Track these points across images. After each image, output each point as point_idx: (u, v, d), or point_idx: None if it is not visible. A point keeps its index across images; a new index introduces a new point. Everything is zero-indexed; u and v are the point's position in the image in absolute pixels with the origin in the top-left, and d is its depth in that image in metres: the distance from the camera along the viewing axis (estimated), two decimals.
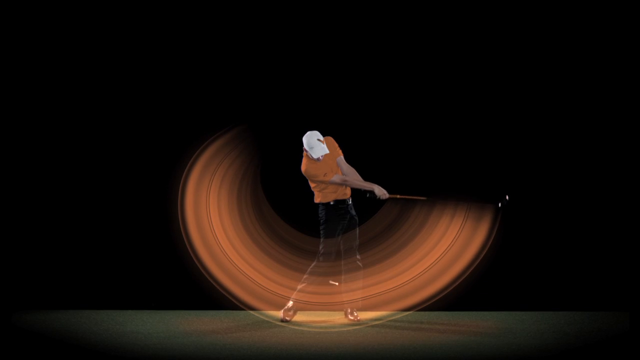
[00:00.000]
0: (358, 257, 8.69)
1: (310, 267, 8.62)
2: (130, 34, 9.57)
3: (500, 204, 8.54)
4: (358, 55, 9.54)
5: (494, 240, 8.81)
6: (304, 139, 8.56)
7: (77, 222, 9.66)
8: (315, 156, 8.50)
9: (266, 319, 8.79)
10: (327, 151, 8.52)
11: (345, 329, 8.31)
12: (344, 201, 8.67)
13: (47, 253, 9.65)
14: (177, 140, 9.60)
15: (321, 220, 8.66)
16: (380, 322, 8.63)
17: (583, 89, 9.40)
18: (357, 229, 8.76)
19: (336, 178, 8.54)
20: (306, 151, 8.58)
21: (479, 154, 9.33)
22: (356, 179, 8.63)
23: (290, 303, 8.64)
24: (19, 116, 9.57)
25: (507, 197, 8.51)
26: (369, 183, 8.57)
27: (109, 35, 9.56)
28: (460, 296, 8.97)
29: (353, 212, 8.73)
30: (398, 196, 8.59)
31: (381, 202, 8.68)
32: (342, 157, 8.72)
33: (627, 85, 9.28)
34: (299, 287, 8.60)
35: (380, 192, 8.54)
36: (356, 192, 8.74)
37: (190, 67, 9.61)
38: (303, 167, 8.62)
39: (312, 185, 8.68)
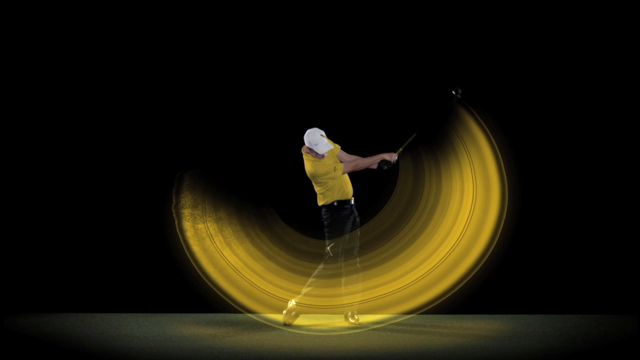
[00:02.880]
0: (357, 259, 8.62)
1: (317, 270, 8.56)
2: (129, 40, 9.63)
3: (454, 92, 8.56)
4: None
5: (498, 242, 8.80)
6: (306, 137, 8.52)
7: (71, 224, 9.63)
8: (321, 152, 8.47)
9: (265, 322, 8.73)
10: (332, 146, 8.53)
11: (346, 333, 8.26)
12: (347, 201, 8.59)
13: (41, 255, 9.62)
14: (173, 140, 9.61)
15: (326, 223, 8.60)
16: (382, 325, 8.58)
17: (585, 98, 9.41)
18: (359, 230, 8.70)
19: (347, 167, 8.56)
20: (309, 151, 8.53)
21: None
22: (363, 159, 8.62)
23: (292, 303, 8.56)
24: (18, 121, 9.59)
25: (458, 89, 8.56)
26: (375, 156, 8.58)
27: (108, 48, 9.64)
28: (463, 299, 8.94)
29: (356, 212, 8.67)
30: (401, 149, 8.63)
31: (397, 167, 8.69)
32: (340, 149, 8.69)
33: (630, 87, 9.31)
34: (306, 290, 8.53)
35: (390, 157, 8.58)
36: (358, 193, 8.69)
37: (183, 69, 9.63)
38: (309, 169, 8.56)
39: (317, 187, 8.60)
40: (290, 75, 9.56)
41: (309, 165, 8.57)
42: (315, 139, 8.46)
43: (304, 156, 8.62)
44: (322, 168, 8.49)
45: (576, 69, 9.39)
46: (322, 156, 8.49)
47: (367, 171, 8.78)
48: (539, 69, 9.43)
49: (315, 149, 8.47)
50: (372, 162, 8.57)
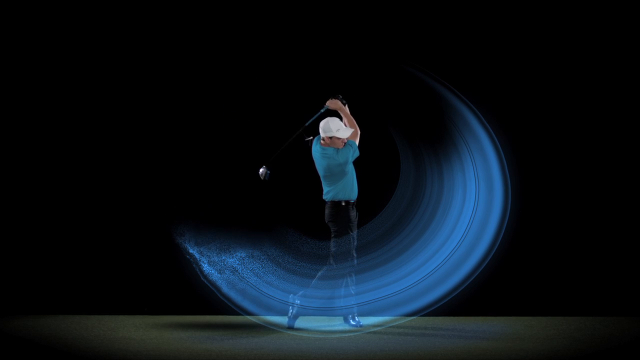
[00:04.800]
0: (355, 261, 8.57)
1: (322, 270, 8.52)
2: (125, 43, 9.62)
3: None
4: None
5: (501, 243, 8.79)
6: (326, 126, 8.48)
7: (68, 225, 9.59)
8: (344, 136, 8.50)
9: (264, 324, 8.67)
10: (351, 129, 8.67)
11: (346, 335, 8.21)
12: (354, 202, 8.58)
13: (37, 257, 9.57)
14: (170, 140, 9.60)
15: (332, 224, 8.54)
16: (383, 327, 8.53)
17: (588, 98, 9.38)
18: (357, 232, 8.65)
19: (356, 134, 8.65)
20: (329, 142, 8.49)
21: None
22: (347, 120, 8.70)
23: (295, 304, 8.50)
24: (20, 124, 9.61)
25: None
26: (346, 115, 8.68)
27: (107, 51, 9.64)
28: (466, 301, 8.89)
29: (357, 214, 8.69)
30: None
31: (398, 166, 8.89)
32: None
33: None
34: (309, 291, 8.48)
35: (332, 101, 8.68)
36: (359, 192, 8.66)
37: (185, 70, 9.64)
38: (331, 163, 8.50)
39: (328, 185, 8.56)
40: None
41: (329, 160, 8.49)
42: (336, 124, 8.48)
43: (320, 153, 8.54)
44: (342, 156, 8.48)
45: (578, 68, 9.37)
46: (343, 141, 8.49)
47: (368, 172, 8.79)
48: (541, 68, 9.41)
49: (338, 134, 8.47)
50: (346, 113, 8.64)
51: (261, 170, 8.56)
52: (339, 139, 8.51)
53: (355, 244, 8.55)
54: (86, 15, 9.53)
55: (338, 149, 8.51)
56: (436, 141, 9.07)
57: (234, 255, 8.93)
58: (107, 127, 9.59)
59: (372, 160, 9.03)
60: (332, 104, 8.64)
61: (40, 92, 9.57)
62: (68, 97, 9.57)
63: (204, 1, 9.57)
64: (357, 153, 8.56)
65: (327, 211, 8.57)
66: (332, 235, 8.55)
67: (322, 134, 8.54)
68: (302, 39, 9.49)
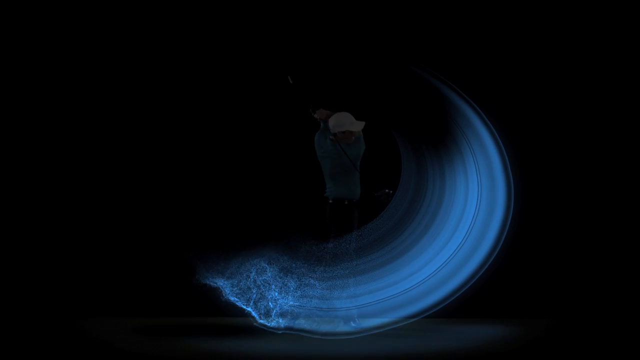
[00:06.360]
0: (355, 263, 8.55)
1: (321, 270, 8.47)
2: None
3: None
4: None
5: (504, 245, 8.69)
6: (337, 121, 8.41)
7: (66, 227, 9.57)
8: (358, 129, 8.47)
9: (263, 326, 8.55)
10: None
11: (346, 337, 8.18)
12: (356, 200, 8.57)
13: (34, 258, 9.54)
14: (170, 138, 9.60)
15: (333, 220, 8.50)
16: (384, 329, 8.46)
17: (591, 97, 9.39)
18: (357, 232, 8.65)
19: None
20: (342, 138, 8.42)
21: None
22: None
23: (294, 308, 8.47)
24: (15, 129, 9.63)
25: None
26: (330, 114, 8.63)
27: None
28: (468, 303, 8.76)
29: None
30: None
31: (399, 165, 8.85)
32: None
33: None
34: (307, 291, 8.44)
35: (319, 113, 8.64)
36: (362, 193, 8.70)
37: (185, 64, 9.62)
38: (356, 153, 8.48)
39: (335, 182, 8.52)
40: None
41: (340, 157, 8.43)
42: (348, 118, 8.41)
43: (329, 150, 8.50)
44: (355, 151, 8.47)
45: (581, 67, 9.36)
46: (354, 135, 8.46)
47: (369, 172, 8.71)
48: (544, 67, 9.40)
49: (351, 128, 8.41)
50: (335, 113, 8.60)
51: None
52: (351, 133, 8.46)
53: (355, 244, 8.52)
54: (87, 17, 9.52)
55: (349, 143, 8.47)
56: (438, 141, 9.03)
57: (234, 257, 8.90)
58: (107, 128, 9.60)
59: (373, 160, 8.98)
60: (321, 114, 8.57)
61: (54, 101, 9.57)
62: (78, 106, 9.57)
63: (203, 2, 9.55)
64: (364, 146, 8.52)
65: (328, 209, 8.52)
66: (332, 235, 8.50)
67: (333, 130, 8.46)
68: (303, 39, 9.47)
